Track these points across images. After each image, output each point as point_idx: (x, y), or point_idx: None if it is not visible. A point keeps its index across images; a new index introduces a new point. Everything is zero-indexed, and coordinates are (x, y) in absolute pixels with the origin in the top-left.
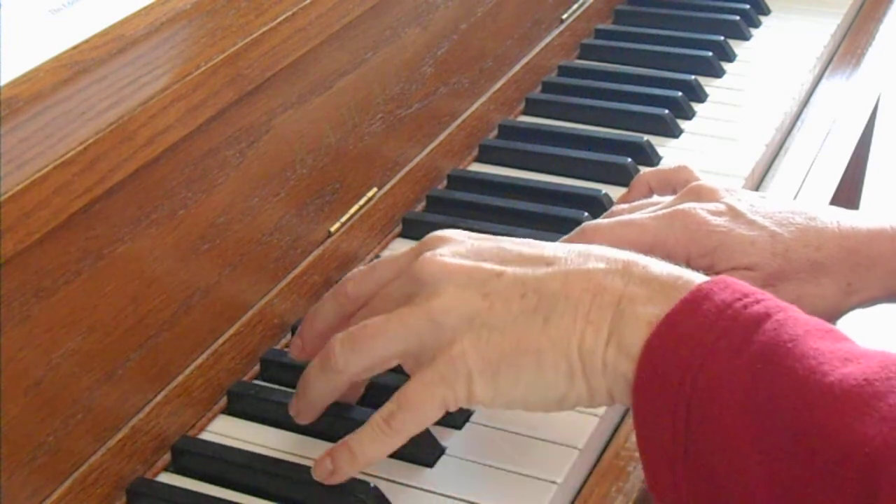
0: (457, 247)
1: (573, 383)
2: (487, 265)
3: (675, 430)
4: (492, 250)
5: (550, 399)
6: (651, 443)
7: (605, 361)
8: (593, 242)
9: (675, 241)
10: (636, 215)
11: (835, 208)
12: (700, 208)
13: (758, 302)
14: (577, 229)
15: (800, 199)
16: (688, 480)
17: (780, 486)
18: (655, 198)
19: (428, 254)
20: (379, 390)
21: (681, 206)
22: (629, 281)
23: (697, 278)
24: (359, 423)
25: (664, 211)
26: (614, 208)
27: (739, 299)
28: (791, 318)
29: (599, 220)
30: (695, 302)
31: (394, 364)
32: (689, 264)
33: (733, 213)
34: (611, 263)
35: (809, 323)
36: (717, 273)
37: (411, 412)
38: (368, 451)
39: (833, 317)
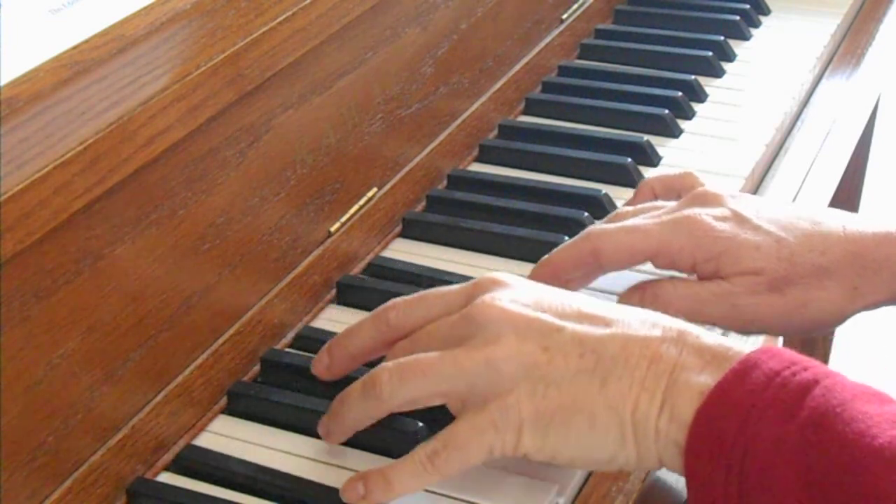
0: (515, 293)
1: (623, 447)
2: (548, 318)
3: (727, 497)
4: (551, 302)
5: (598, 459)
6: None
7: (658, 428)
8: (598, 247)
9: (679, 247)
10: (640, 220)
11: (840, 212)
12: (705, 214)
13: (805, 369)
14: (583, 233)
15: (803, 202)
16: None
17: None
18: (660, 202)
19: (487, 297)
20: None
21: (685, 212)
22: (683, 350)
23: (747, 348)
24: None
25: (669, 217)
26: (618, 211)
27: (788, 367)
28: (839, 383)
29: (605, 225)
30: (744, 371)
31: (437, 403)
32: (694, 269)
33: (738, 218)
34: (666, 331)
35: (857, 388)
36: (722, 278)
37: (457, 453)
38: (406, 484)
39: (839, 320)
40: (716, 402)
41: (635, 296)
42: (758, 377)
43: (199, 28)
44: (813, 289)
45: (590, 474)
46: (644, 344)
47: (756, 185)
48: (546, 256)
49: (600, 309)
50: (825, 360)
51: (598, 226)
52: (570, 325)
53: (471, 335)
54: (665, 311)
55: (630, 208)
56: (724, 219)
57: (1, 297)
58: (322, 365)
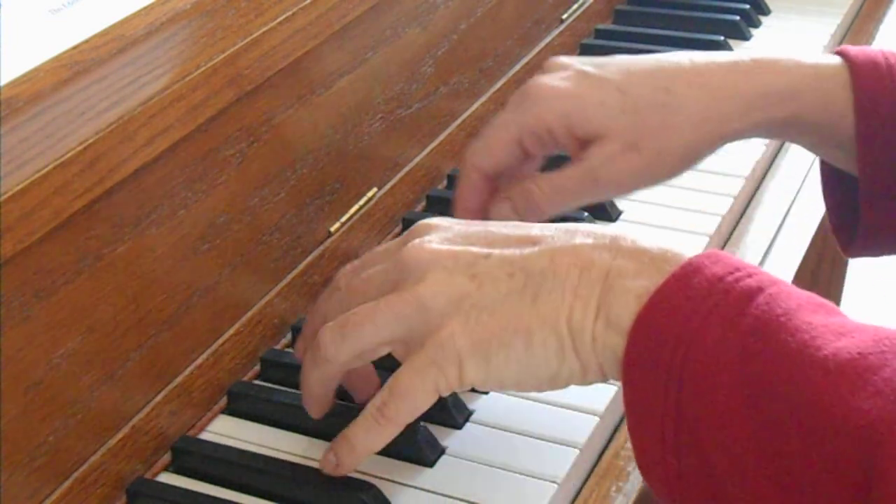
0: (444, 233)
1: (564, 360)
2: (474, 248)
3: (666, 405)
4: (478, 234)
5: (542, 377)
6: (641, 417)
7: (595, 336)
8: (474, 162)
9: (534, 119)
10: (497, 118)
11: (692, 51)
12: (546, 78)
13: (749, 276)
14: (460, 162)
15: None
16: (678, 455)
17: (773, 459)
18: None
19: (416, 241)
20: None
21: (529, 81)
22: (617, 255)
23: (687, 252)
24: None
25: (514, 95)
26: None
27: (731, 273)
28: (784, 291)
29: (472, 142)
30: (685, 276)
31: (385, 352)
32: (553, 138)
33: (581, 75)
34: (598, 238)
35: (802, 297)
36: (579, 140)
37: (403, 399)
38: (365, 441)
39: (698, 156)
40: (654, 308)
41: (505, 206)
42: (699, 282)
43: (199, 28)
44: (665, 133)
45: (590, 474)
46: (574, 252)
47: (756, 184)
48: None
49: (529, 230)
50: None
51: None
52: (498, 251)
53: (402, 279)
54: (537, 212)
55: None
56: (566, 79)
57: (1, 297)
58: (300, 349)
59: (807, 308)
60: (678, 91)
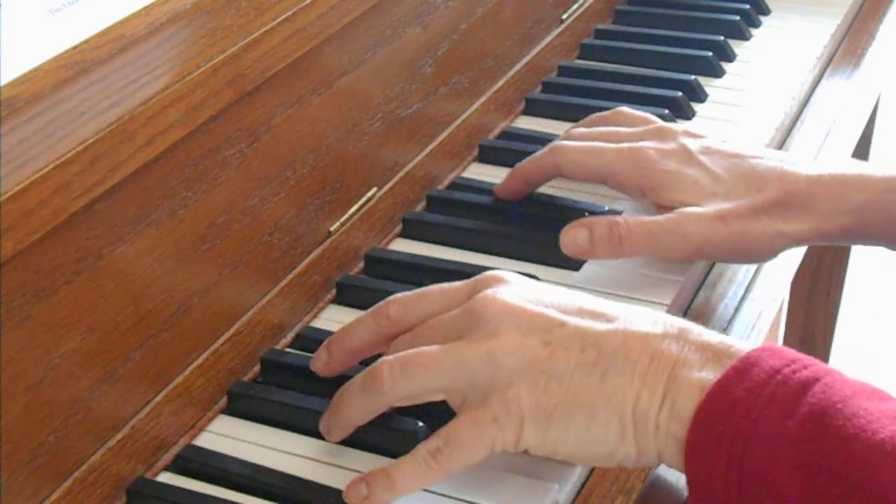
0: (517, 290)
1: (623, 442)
2: (550, 313)
3: (727, 494)
4: (553, 299)
5: (597, 454)
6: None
7: (658, 424)
8: (558, 162)
9: (627, 176)
10: (600, 143)
11: (784, 153)
12: (654, 147)
13: (806, 367)
14: (548, 147)
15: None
16: None
17: None
18: (622, 129)
19: (489, 292)
20: None
21: (638, 144)
22: (684, 346)
23: (747, 346)
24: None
25: (626, 146)
26: (572, 131)
27: (788, 365)
28: (838, 380)
29: (568, 142)
30: (745, 368)
31: (438, 398)
32: (639, 195)
33: (684, 153)
34: (667, 328)
35: (857, 385)
36: (663, 206)
37: (459, 450)
38: (409, 482)
39: (768, 254)
40: (716, 399)
41: (581, 232)
42: (758, 374)
43: (199, 28)
44: (750, 221)
45: (591, 473)
46: (645, 340)
47: None
48: (516, 166)
49: (602, 306)
50: (825, 359)
51: (562, 142)
52: (572, 320)
53: (472, 329)
54: (615, 247)
55: (584, 129)
56: (670, 153)
57: (1, 297)
58: (321, 361)
59: (861, 395)
60: (768, 194)
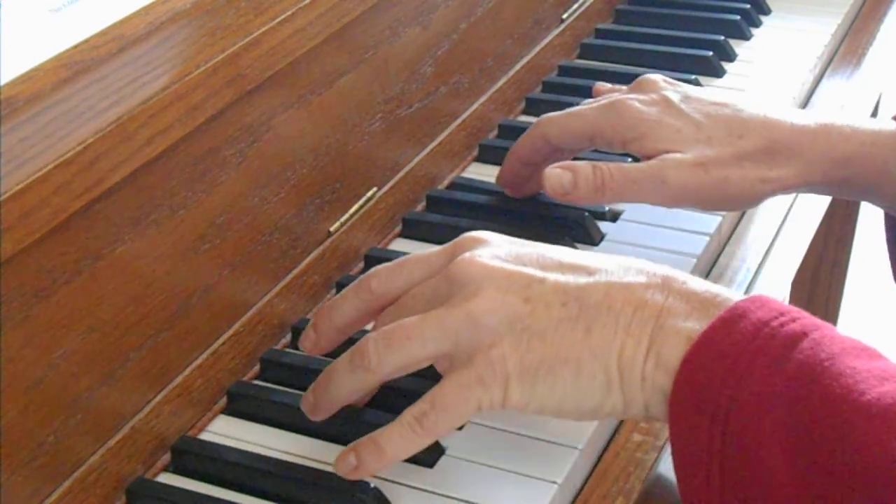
0: (495, 249)
1: (609, 394)
2: (528, 270)
3: (711, 445)
4: (531, 255)
5: (585, 408)
6: (686, 457)
7: (644, 375)
8: (545, 132)
9: (611, 129)
10: (581, 107)
11: (770, 103)
12: (635, 99)
13: (794, 320)
14: (534, 122)
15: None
16: (722, 496)
17: (815, 503)
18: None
19: (466, 255)
20: (389, 393)
21: (618, 97)
22: (669, 295)
23: (735, 296)
24: (366, 426)
25: (604, 100)
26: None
27: (776, 317)
28: (828, 336)
29: (552, 113)
30: (732, 320)
31: (426, 365)
32: (624, 148)
33: (665, 102)
34: (651, 277)
35: (846, 341)
36: (647, 155)
37: (445, 412)
38: (397, 448)
39: (756, 200)
40: (702, 351)
41: (566, 175)
42: (745, 326)
43: (199, 28)
44: (732, 167)
45: (590, 474)
46: (628, 290)
47: None
48: (509, 150)
49: (583, 258)
50: None
51: (547, 114)
52: (552, 276)
53: (452, 294)
54: (598, 192)
55: (589, 100)
56: (651, 103)
57: (1, 297)
58: (309, 341)
59: (850, 352)
60: (751, 140)
